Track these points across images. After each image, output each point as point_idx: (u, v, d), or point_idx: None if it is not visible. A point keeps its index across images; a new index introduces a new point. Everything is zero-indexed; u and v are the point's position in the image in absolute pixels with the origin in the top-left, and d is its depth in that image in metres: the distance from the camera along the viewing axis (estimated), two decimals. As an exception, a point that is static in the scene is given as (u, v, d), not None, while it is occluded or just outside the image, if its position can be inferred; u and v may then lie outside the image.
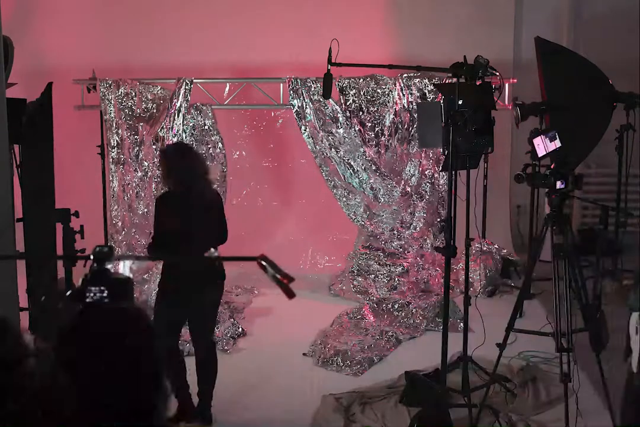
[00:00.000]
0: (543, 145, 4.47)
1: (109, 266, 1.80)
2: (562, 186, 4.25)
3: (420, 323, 6.23)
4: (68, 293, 1.81)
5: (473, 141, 4.51)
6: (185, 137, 6.71)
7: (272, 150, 8.10)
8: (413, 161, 7.00)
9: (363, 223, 7.12)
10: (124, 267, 2.05)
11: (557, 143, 4.46)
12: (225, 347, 5.80)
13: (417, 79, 6.88)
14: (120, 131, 6.76)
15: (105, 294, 1.73)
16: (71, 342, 1.67)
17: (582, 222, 8.53)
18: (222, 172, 6.96)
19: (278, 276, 1.90)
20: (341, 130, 6.87)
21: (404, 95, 6.89)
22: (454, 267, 6.89)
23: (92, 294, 1.73)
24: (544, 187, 4.38)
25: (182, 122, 6.65)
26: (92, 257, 1.81)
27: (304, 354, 5.68)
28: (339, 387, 5.10)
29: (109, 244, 7.15)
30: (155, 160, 6.63)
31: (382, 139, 6.99)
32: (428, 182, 7.09)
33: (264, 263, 1.91)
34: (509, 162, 8.22)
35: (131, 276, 1.91)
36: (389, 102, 6.93)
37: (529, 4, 8.35)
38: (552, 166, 4.34)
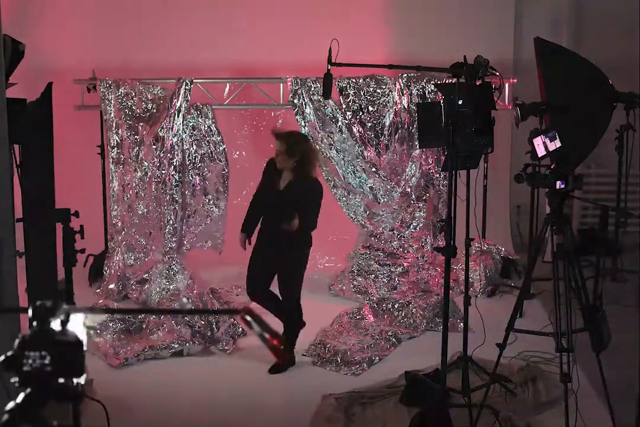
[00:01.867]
0: (543, 145, 4.46)
1: (54, 324, 1.46)
2: (562, 186, 4.24)
3: (420, 323, 6.22)
4: (0, 359, 1.44)
5: (473, 141, 4.52)
6: (185, 137, 6.71)
7: (272, 150, 8.07)
8: (413, 161, 7.00)
9: (363, 223, 7.12)
10: (76, 324, 1.55)
11: (557, 143, 4.46)
12: (225, 347, 5.80)
13: (417, 79, 6.88)
14: (120, 131, 6.76)
15: (47, 361, 1.41)
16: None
17: (582, 222, 8.53)
18: (222, 172, 6.96)
19: (266, 336, 1.57)
20: (341, 131, 6.87)
21: (404, 95, 6.89)
22: (454, 267, 6.89)
23: (30, 361, 1.41)
24: (544, 187, 4.37)
25: (182, 122, 6.65)
26: (30, 313, 1.46)
27: (304, 355, 5.68)
28: (339, 387, 5.10)
29: (109, 244, 7.15)
30: (155, 160, 6.63)
31: (382, 139, 6.99)
32: (428, 182, 7.08)
33: (248, 318, 1.58)
34: (509, 162, 8.22)
35: (84, 335, 1.53)
36: (389, 102, 6.93)
37: (529, 4, 8.35)
38: (552, 166, 4.33)
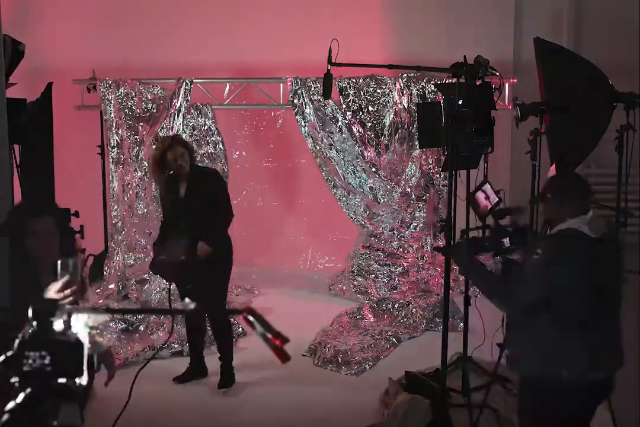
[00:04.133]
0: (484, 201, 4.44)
1: (55, 324, 1.45)
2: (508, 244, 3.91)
3: (420, 323, 6.22)
4: (0, 359, 1.43)
5: (473, 141, 4.51)
6: (185, 137, 6.71)
7: (272, 150, 8.10)
8: (413, 161, 7.00)
9: (363, 223, 7.12)
10: (76, 324, 1.54)
11: (494, 198, 4.41)
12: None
13: (417, 79, 6.88)
14: (120, 131, 6.76)
15: (46, 361, 1.40)
16: None
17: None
18: (222, 172, 6.96)
19: (268, 335, 1.54)
20: (341, 130, 6.87)
21: (404, 95, 6.89)
22: (454, 267, 6.88)
23: (30, 361, 1.40)
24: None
25: (182, 122, 6.65)
26: (30, 313, 1.46)
27: (304, 355, 5.68)
28: (337, 388, 5.10)
29: (109, 244, 7.15)
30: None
31: (382, 139, 6.99)
32: (428, 182, 7.08)
33: (250, 318, 1.56)
34: (509, 162, 8.21)
35: (85, 335, 1.52)
36: (389, 102, 6.93)
37: (529, 4, 8.34)
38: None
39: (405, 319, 6.27)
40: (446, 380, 4.44)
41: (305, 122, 6.82)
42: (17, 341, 1.42)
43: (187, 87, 6.62)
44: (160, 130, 6.60)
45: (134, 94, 6.78)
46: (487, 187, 4.45)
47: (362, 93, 6.91)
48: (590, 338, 3.37)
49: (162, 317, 5.82)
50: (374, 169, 6.92)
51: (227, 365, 5.22)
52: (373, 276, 7.07)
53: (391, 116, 6.94)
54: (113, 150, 6.78)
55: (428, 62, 5.18)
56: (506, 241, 3.88)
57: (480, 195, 4.42)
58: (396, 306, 6.45)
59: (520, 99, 6.60)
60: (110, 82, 6.76)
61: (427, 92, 6.88)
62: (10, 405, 1.40)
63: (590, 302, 3.36)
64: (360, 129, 6.94)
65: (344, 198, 7.05)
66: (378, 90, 6.93)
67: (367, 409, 4.81)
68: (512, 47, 8.13)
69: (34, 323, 1.44)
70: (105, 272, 7.01)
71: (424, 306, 6.40)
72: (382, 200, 6.99)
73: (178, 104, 6.60)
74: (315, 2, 7.94)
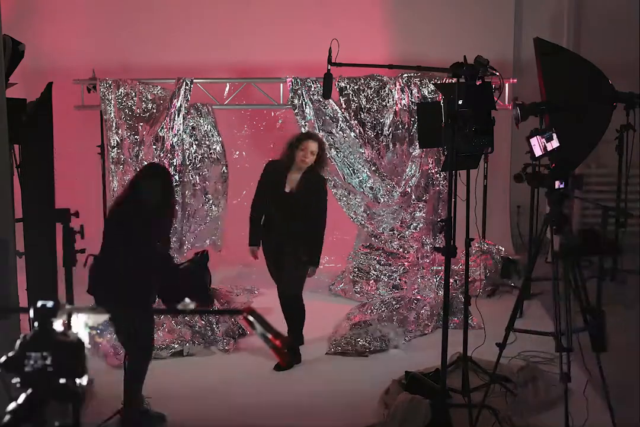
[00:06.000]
0: (540, 145, 4.45)
1: (55, 325, 1.45)
2: (562, 186, 4.24)
3: (421, 323, 6.22)
4: (2, 360, 1.43)
5: (473, 141, 4.51)
6: (185, 137, 6.71)
7: (272, 150, 8.08)
8: (413, 161, 7.00)
9: (363, 222, 7.12)
10: (77, 324, 1.58)
11: (555, 143, 4.45)
12: (226, 347, 5.80)
13: (417, 79, 6.88)
14: (120, 131, 6.76)
15: (48, 362, 1.40)
16: None
17: (582, 222, 8.53)
18: (222, 172, 6.96)
19: (269, 336, 1.55)
20: (341, 130, 6.87)
21: (404, 95, 6.89)
22: (454, 267, 6.89)
23: (31, 362, 1.40)
24: (543, 187, 4.37)
25: (182, 122, 6.65)
26: (32, 314, 1.46)
27: (327, 353, 5.75)
28: (337, 388, 5.10)
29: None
30: (155, 160, 6.63)
31: (382, 139, 6.99)
32: (428, 182, 7.08)
33: (250, 318, 1.56)
34: (509, 162, 8.22)
35: (86, 335, 1.58)
36: (389, 102, 6.93)
37: (529, 4, 8.35)
38: (552, 166, 4.33)
39: (405, 319, 6.27)
40: (446, 380, 4.44)
41: (305, 122, 6.82)
42: (17, 342, 1.42)
43: (187, 87, 6.62)
44: (160, 130, 6.60)
45: (134, 94, 6.78)
46: (548, 134, 4.46)
47: (362, 93, 6.91)
48: None
49: (161, 317, 5.82)
50: (374, 169, 6.92)
51: (295, 347, 5.54)
52: (374, 275, 7.07)
53: (391, 116, 6.94)
54: (113, 150, 6.78)
55: (428, 62, 5.18)
56: (560, 184, 4.17)
57: (536, 141, 4.44)
58: (397, 305, 6.44)
59: (520, 99, 6.61)
60: (110, 82, 6.76)
61: (427, 92, 6.88)
62: (12, 406, 1.40)
63: None
64: (360, 129, 6.94)
65: (344, 198, 7.05)
66: (378, 90, 6.93)
67: (367, 409, 4.81)
68: (512, 47, 8.14)
69: (35, 323, 1.45)
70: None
71: (423, 306, 6.40)
72: (382, 200, 6.99)
73: (178, 104, 6.61)
74: (315, 2, 7.95)
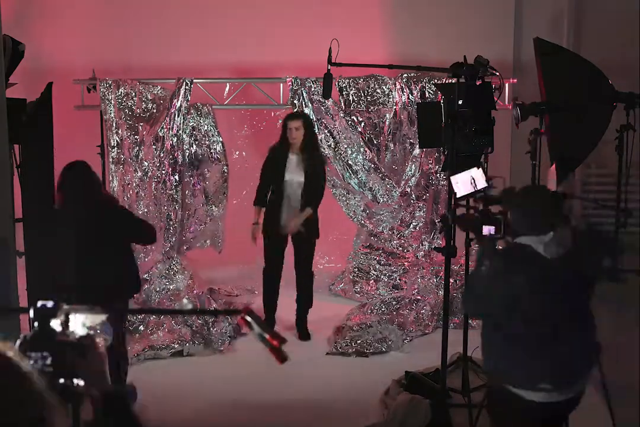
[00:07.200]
0: (464, 183, 4.17)
1: (55, 325, 1.45)
2: (492, 232, 3.60)
3: (421, 323, 6.22)
4: None
5: (473, 141, 4.51)
6: (185, 137, 6.71)
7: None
8: (413, 161, 7.00)
9: (363, 222, 7.12)
10: (76, 324, 1.54)
11: (481, 183, 4.15)
12: (224, 347, 5.80)
13: (417, 79, 6.88)
14: (120, 131, 6.76)
15: (48, 362, 1.41)
16: None
17: (582, 222, 8.52)
18: (222, 172, 6.96)
19: (266, 336, 1.56)
20: (341, 130, 6.87)
21: (404, 95, 6.89)
22: (454, 267, 6.88)
23: (32, 362, 1.40)
24: (470, 231, 3.93)
25: (182, 122, 6.65)
26: (32, 314, 1.46)
27: (328, 353, 5.77)
28: (337, 388, 5.10)
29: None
30: (155, 160, 6.63)
31: (382, 139, 6.99)
32: (428, 182, 7.08)
33: (248, 319, 1.57)
34: (509, 162, 8.22)
35: (85, 335, 1.55)
36: (389, 102, 6.93)
37: (529, 4, 8.34)
38: (483, 207, 3.84)
39: (405, 319, 6.27)
40: (446, 380, 4.45)
41: (305, 122, 6.82)
42: (18, 342, 1.42)
43: (187, 87, 6.62)
44: (160, 130, 6.60)
45: (134, 94, 6.78)
46: (474, 171, 4.20)
47: (362, 93, 6.91)
48: (531, 355, 3.29)
49: (161, 317, 5.83)
50: (373, 169, 6.92)
51: (303, 319, 6.12)
52: (374, 275, 7.08)
53: (391, 116, 6.94)
54: (113, 150, 6.78)
55: (428, 62, 5.18)
56: (490, 230, 3.57)
57: (461, 178, 4.18)
58: (398, 305, 6.45)
59: (520, 99, 6.61)
60: (110, 82, 6.76)
61: (427, 92, 6.88)
62: None
63: (531, 320, 3.26)
64: (360, 129, 6.93)
65: (343, 198, 7.05)
66: (378, 90, 6.92)
67: (367, 409, 4.81)
68: (512, 47, 8.13)
69: (35, 324, 1.45)
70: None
71: (423, 305, 6.40)
72: (381, 200, 6.99)
73: (178, 104, 6.60)
74: (315, 2, 7.95)
